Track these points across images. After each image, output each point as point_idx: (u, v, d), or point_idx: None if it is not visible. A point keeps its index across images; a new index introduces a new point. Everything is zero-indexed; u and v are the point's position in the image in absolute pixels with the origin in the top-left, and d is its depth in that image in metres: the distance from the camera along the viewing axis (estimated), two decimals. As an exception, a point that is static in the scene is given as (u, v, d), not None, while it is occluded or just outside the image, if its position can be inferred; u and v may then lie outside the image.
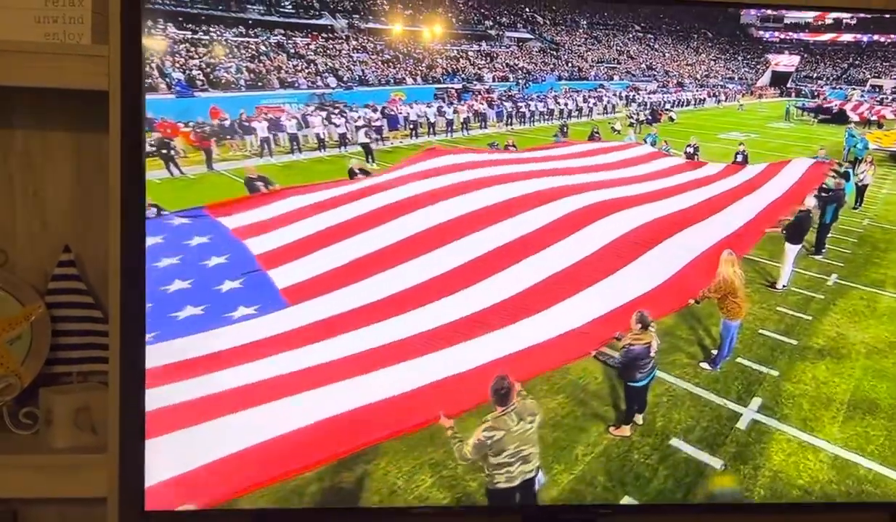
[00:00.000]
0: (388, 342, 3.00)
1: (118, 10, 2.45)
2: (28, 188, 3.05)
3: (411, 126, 3.76)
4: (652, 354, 3.21)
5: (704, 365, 3.55)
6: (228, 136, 3.22)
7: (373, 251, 3.18)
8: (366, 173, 3.53)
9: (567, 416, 3.26)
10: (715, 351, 3.57)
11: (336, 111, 3.53)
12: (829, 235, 4.02)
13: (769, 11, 4.38)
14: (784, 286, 3.94)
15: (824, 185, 3.84)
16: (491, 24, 4.11)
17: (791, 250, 3.85)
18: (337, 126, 3.55)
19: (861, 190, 4.06)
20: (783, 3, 3.89)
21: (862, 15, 3.85)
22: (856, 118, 4.10)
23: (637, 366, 3.21)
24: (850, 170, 3.93)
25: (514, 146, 4.00)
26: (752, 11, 4.43)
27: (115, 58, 2.47)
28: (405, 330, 3.06)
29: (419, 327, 3.09)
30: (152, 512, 2.57)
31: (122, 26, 2.47)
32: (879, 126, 3.93)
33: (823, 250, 4.05)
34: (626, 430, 3.21)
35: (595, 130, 4.25)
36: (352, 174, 3.52)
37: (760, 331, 3.72)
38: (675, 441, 3.15)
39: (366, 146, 3.59)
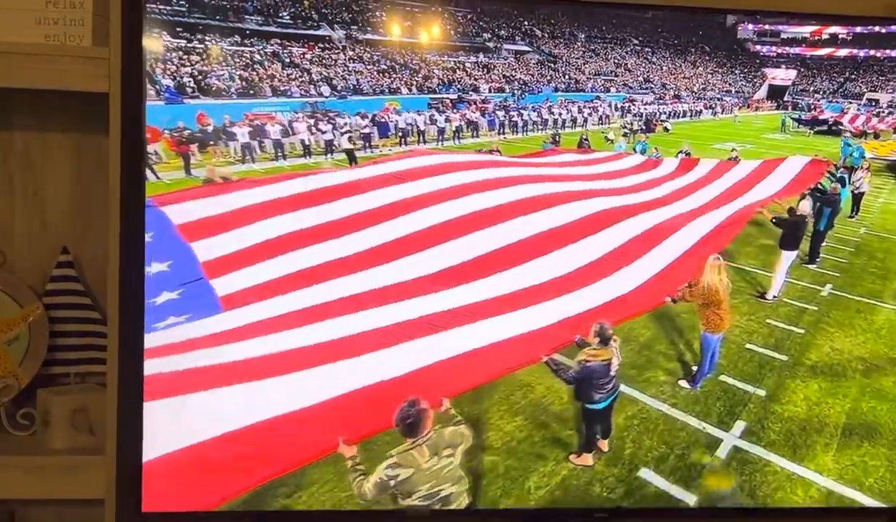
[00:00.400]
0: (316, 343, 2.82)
1: (119, 12, 2.47)
2: (27, 189, 3.07)
3: (400, 134, 3.76)
4: (612, 373, 2.90)
5: (683, 384, 3.32)
6: (211, 142, 3.14)
7: (327, 261, 3.02)
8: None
9: (524, 441, 2.96)
10: (696, 368, 3.35)
11: (325, 119, 3.50)
12: (825, 244, 3.95)
13: (766, 26, 4.41)
14: (775, 296, 3.79)
15: (819, 186, 3.79)
16: (489, 36, 4.13)
17: (786, 257, 3.71)
18: (324, 132, 3.50)
19: (857, 198, 4.00)
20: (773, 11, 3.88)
21: (858, 30, 3.89)
22: (852, 130, 4.11)
23: (594, 385, 2.89)
24: (846, 177, 3.90)
25: (497, 151, 3.96)
26: (750, 26, 4.47)
27: (116, 60, 2.49)
28: (338, 332, 2.87)
29: (351, 330, 2.87)
30: (149, 514, 2.56)
31: (123, 29, 2.49)
32: (876, 137, 3.94)
33: (818, 259, 3.96)
34: (587, 459, 2.92)
35: (584, 138, 4.26)
36: (325, 175, 3.41)
37: (748, 346, 3.52)
38: (644, 472, 2.89)
39: (349, 152, 3.52)
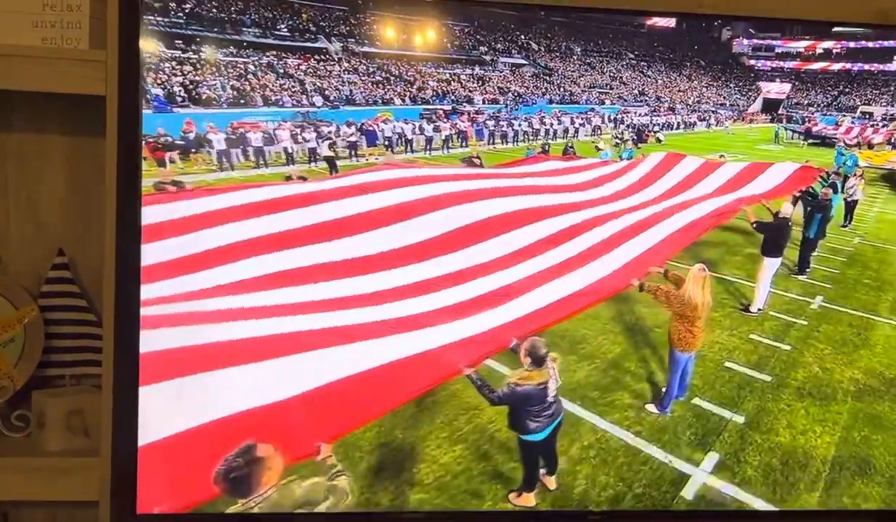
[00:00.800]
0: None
1: (116, 15, 2.50)
2: (22, 191, 3.08)
3: (386, 142, 3.73)
4: (550, 398, 2.55)
5: (651, 408, 3.05)
6: (193, 149, 3.07)
7: (264, 274, 2.77)
8: (303, 179, 3.28)
9: (460, 475, 2.61)
10: (665, 390, 3.10)
11: (310, 127, 3.47)
12: (815, 253, 3.82)
13: (761, 41, 4.46)
14: (760, 309, 3.57)
15: (811, 189, 3.68)
16: (486, 49, 4.16)
17: (769, 265, 3.52)
18: (307, 141, 3.45)
19: (851, 206, 3.88)
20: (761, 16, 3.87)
21: (852, 45, 3.92)
22: (846, 140, 4.12)
23: (529, 413, 2.52)
24: (838, 182, 3.81)
25: (478, 158, 3.86)
26: (745, 41, 4.51)
27: (113, 63, 2.51)
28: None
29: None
30: (144, 515, 2.55)
31: (120, 32, 2.51)
32: (870, 147, 3.94)
33: (808, 269, 3.81)
34: (529, 499, 2.58)
35: (569, 146, 4.26)
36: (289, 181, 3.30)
37: (727, 364, 3.25)
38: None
39: (330, 160, 3.45)
